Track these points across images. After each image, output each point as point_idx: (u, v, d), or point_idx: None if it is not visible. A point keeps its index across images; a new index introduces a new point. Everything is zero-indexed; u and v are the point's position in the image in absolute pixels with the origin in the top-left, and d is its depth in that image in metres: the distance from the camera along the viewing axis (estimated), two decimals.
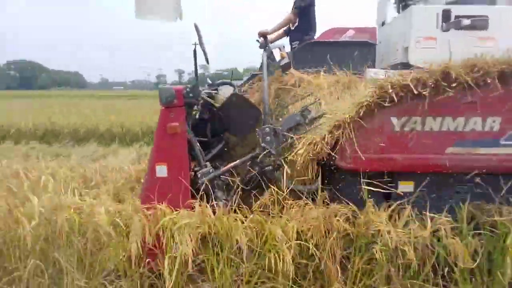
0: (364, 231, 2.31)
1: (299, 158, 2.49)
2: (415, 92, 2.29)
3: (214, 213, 2.34)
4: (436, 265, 2.29)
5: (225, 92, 3.39)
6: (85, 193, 2.91)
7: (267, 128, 2.72)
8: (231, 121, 3.07)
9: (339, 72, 3.21)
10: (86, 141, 9.13)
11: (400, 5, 3.82)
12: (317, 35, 5.05)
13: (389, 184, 2.49)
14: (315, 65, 3.31)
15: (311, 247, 2.24)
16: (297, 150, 2.51)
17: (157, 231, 2.29)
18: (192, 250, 2.18)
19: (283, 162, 2.62)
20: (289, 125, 2.74)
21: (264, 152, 2.67)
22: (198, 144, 2.82)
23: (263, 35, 4.01)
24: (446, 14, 2.78)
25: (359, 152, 2.44)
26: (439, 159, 2.42)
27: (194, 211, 2.36)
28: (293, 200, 2.44)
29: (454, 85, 2.27)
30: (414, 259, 2.20)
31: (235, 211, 2.42)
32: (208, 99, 3.02)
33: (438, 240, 2.27)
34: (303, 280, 2.34)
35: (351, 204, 2.43)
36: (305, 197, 2.47)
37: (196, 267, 2.33)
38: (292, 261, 2.18)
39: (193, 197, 2.53)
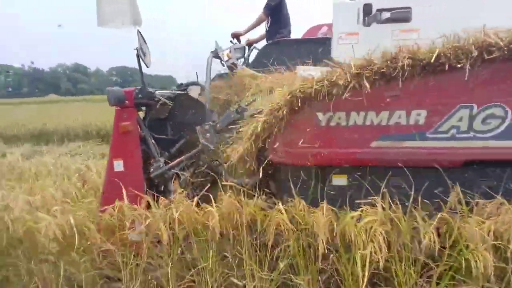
0: None
1: (235, 153, 2.64)
2: (334, 88, 2.36)
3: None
4: None
5: (194, 92, 3.59)
6: None
7: (207, 126, 2.95)
8: (183, 119, 3.36)
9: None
10: None
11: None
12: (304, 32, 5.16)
13: (334, 176, 2.58)
14: (278, 64, 3.23)
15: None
16: (233, 146, 2.72)
17: (341, 229, 2.27)
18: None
19: (221, 158, 2.85)
20: (226, 123, 2.92)
21: (204, 149, 2.95)
22: (152, 140, 3.14)
23: (236, 36, 4.30)
24: (367, 9, 2.74)
25: (288, 146, 2.55)
26: (364, 153, 2.46)
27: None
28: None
29: (376, 77, 2.30)
30: None
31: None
32: (164, 99, 3.29)
33: None
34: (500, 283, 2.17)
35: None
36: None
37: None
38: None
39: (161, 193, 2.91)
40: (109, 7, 3.09)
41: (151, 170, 3.04)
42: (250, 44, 4.66)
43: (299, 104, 2.45)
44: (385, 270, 2.27)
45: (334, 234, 2.34)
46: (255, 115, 2.66)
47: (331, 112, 2.45)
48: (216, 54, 3.44)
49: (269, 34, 4.98)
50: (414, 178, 2.41)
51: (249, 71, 3.29)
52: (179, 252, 2.64)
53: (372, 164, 2.50)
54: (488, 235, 2.08)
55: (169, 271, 2.61)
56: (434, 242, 2.11)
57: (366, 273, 2.16)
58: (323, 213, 2.38)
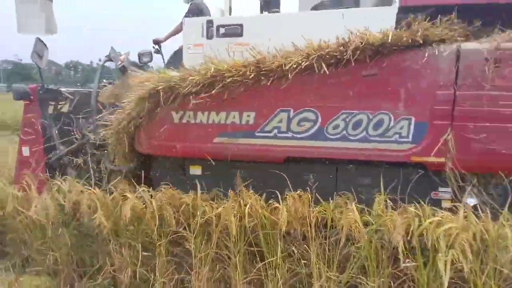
0: None
1: (110, 143, 3.16)
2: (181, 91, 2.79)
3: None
4: None
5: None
6: None
7: (90, 119, 3.59)
8: (79, 114, 3.88)
9: None
10: None
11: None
12: None
13: (183, 168, 3.09)
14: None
15: None
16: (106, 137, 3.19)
17: (421, 232, 2.23)
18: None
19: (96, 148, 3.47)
20: (106, 117, 3.34)
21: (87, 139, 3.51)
22: (55, 131, 3.71)
23: (157, 42, 4.69)
24: (209, 24, 3.16)
25: (151, 138, 3.04)
26: (210, 147, 2.89)
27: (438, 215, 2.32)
28: None
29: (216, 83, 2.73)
30: None
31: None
32: (68, 95, 3.99)
33: None
34: None
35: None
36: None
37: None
38: None
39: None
40: (25, 17, 3.66)
41: (50, 156, 3.65)
42: (156, 42, 4.78)
43: (155, 103, 2.90)
44: (463, 280, 2.20)
45: (409, 237, 2.24)
46: (122, 110, 3.06)
47: (182, 111, 2.92)
48: (109, 58, 3.86)
49: None
50: (252, 171, 2.89)
51: (143, 74, 3.46)
52: (246, 245, 2.70)
53: (215, 157, 2.91)
54: None
55: (237, 263, 2.65)
56: None
57: (446, 281, 2.05)
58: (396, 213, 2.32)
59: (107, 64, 3.97)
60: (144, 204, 2.82)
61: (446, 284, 2.06)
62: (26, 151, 3.60)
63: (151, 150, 3.09)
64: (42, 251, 3.17)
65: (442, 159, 2.51)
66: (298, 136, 2.75)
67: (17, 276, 3.17)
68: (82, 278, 3.10)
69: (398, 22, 2.66)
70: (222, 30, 3.14)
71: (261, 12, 3.60)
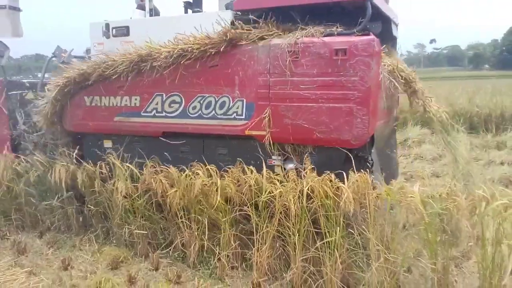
0: None
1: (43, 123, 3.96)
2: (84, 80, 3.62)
3: None
4: None
5: None
6: None
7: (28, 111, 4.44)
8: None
9: None
10: None
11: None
12: None
13: (99, 142, 3.86)
14: None
15: None
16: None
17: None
18: None
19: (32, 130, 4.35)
20: (34, 107, 4.07)
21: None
22: (18, 114, 4.53)
23: None
24: (106, 26, 3.83)
25: (73, 118, 3.89)
26: (112, 125, 3.70)
27: None
28: None
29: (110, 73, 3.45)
30: None
31: None
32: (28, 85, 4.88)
33: None
34: None
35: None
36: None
37: None
38: None
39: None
40: None
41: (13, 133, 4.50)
42: None
43: (71, 89, 3.72)
44: None
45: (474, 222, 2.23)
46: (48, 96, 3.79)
47: (91, 96, 3.75)
48: (54, 55, 4.69)
49: None
50: (144, 143, 3.64)
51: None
52: (306, 224, 2.79)
53: (117, 133, 3.74)
54: None
55: (296, 241, 2.77)
56: None
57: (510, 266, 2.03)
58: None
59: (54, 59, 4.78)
60: (211, 181, 3.07)
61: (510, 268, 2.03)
62: None
63: (73, 128, 3.96)
64: (121, 224, 3.55)
65: (265, 133, 3.07)
66: (170, 115, 3.44)
67: (99, 247, 3.60)
68: (155, 250, 3.43)
69: (232, 23, 3.19)
70: (114, 31, 3.82)
71: (185, 12, 4.14)
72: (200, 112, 3.30)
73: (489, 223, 2.20)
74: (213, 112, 3.26)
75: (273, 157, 3.16)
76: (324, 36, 2.93)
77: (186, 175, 3.18)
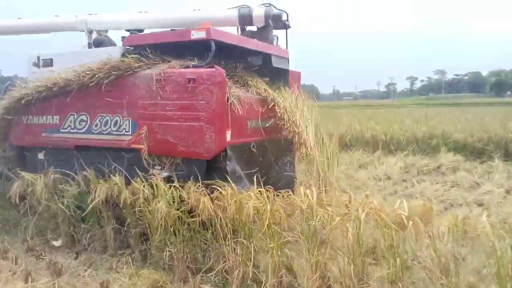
0: None
1: None
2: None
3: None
4: None
5: None
6: None
7: None
8: None
9: None
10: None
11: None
12: None
13: (39, 153, 4.50)
14: None
15: None
16: None
17: None
18: None
19: None
20: None
21: None
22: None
23: None
24: (38, 58, 4.55)
25: (17, 133, 4.62)
26: (40, 139, 4.42)
27: None
28: None
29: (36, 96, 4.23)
30: None
31: None
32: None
33: None
34: None
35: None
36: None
37: None
38: None
39: None
40: None
41: None
42: None
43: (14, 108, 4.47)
44: None
45: None
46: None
47: (27, 115, 4.50)
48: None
49: None
50: (64, 155, 4.27)
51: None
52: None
53: (45, 145, 4.42)
54: None
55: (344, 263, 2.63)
56: None
57: None
58: None
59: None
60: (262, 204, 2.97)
61: None
62: None
63: (17, 142, 4.68)
64: (160, 247, 3.45)
65: (143, 146, 3.65)
66: (79, 131, 4.14)
67: (137, 270, 3.46)
68: (195, 275, 3.31)
69: (123, 55, 3.86)
70: (42, 62, 4.54)
71: (89, 47, 4.89)
72: (100, 129, 3.99)
73: None
74: (109, 129, 3.93)
75: (156, 167, 3.69)
76: (182, 68, 3.60)
77: (237, 198, 3.09)
